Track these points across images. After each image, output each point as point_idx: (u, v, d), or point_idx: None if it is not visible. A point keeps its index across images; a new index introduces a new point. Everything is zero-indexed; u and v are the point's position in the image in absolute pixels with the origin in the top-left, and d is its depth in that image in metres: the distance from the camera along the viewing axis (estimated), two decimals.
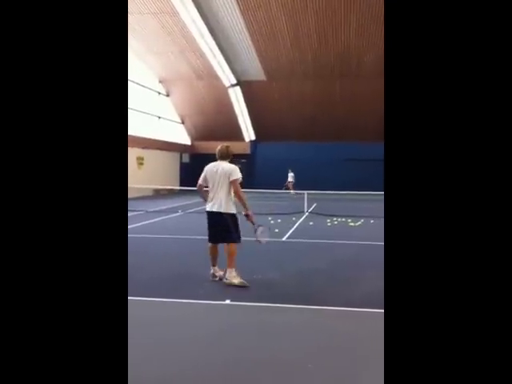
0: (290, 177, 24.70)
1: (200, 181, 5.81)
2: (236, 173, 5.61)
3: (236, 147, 29.30)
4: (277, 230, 8.93)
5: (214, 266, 5.80)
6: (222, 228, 5.60)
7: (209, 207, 5.70)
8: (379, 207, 15.67)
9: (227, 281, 5.51)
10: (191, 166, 27.71)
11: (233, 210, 5.64)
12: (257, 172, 26.54)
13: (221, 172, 5.62)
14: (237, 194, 5.59)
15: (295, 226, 11.35)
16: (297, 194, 22.22)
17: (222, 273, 5.73)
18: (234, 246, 5.59)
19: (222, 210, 5.57)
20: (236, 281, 5.45)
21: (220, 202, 5.59)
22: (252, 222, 5.84)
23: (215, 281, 5.69)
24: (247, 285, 5.43)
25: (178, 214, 14.28)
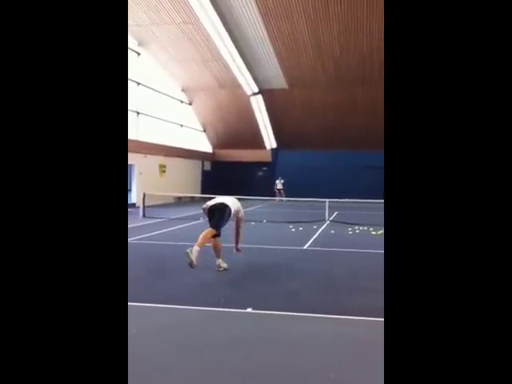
0: (280, 184, 25.42)
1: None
2: (241, 210, 7.02)
3: (257, 155, 29.33)
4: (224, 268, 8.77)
5: (219, 257, 6.79)
6: (220, 216, 6.66)
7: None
8: None
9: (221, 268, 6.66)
10: (213, 173, 27.89)
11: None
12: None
13: (225, 199, 6.96)
14: (239, 228, 7.03)
15: (316, 235, 11.31)
16: (281, 200, 22.77)
17: (226, 265, 6.79)
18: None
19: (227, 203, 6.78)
20: (225, 265, 6.72)
21: (224, 199, 6.88)
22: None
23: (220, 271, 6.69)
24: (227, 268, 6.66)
25: (199, 221, 14.35)
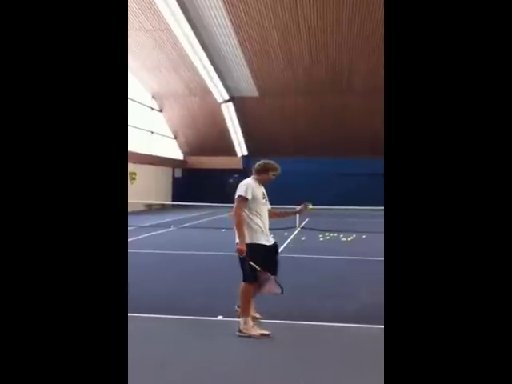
0: None
1: None
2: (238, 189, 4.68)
3: (228, 162, 29.13)
4: None
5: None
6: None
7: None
8: (371, 222, 15.73)
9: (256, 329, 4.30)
10: (183, 180, 27.69)
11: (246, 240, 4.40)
12: None
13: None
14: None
15: (287, 242, 11.33)
16: None
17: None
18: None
19: None
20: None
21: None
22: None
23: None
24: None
25: (170, 229, 14.23)
